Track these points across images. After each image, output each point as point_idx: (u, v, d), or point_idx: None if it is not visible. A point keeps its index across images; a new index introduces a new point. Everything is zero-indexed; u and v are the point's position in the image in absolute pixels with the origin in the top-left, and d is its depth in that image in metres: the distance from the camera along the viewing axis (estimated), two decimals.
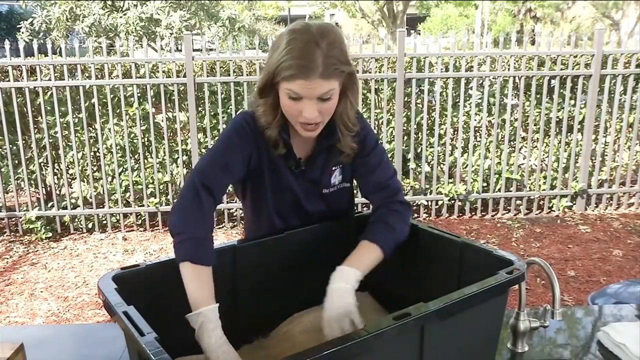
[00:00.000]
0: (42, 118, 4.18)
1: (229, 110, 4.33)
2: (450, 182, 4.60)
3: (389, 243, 1.20)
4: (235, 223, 4.56)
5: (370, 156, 1.29)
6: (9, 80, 4.09)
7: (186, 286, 1.04)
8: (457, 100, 4.46)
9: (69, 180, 4.44)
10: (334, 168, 1.30)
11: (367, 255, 1.17)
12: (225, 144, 1.21)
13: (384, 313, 1.32)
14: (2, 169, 4.33)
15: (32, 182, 4.35)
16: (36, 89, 4.14)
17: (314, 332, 1.17)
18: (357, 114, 1.26)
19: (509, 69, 4.42)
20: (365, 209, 3.59)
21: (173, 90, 4.24)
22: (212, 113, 4.32)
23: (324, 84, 1.08)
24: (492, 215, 4.67)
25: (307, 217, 1.31)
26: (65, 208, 4.39)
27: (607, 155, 4.69)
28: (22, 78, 4.09)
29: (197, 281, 1.04)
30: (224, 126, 4.31)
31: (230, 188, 1.31)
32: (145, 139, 4.35)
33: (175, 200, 1.15)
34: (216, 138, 4.27)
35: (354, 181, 1.38)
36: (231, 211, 4.57)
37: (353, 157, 1.28)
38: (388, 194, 1.28)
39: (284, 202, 1.28)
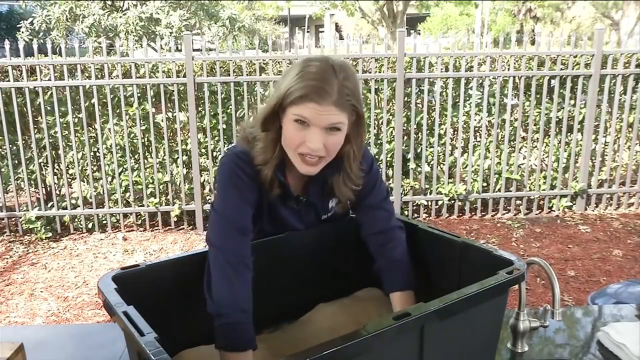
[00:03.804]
0: (42, 118, 4.18)
1: (228, 110, 4.33)
2: (450, 182, 4.60)
3: (412, 279, 1.23)
4: None
5: (369, 190, 1.27)
6: (9, 80, 4.09)
7: None
8: (457, 100, 4.46)
9: (69, 180, 4.44)
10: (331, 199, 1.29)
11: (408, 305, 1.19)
12: (231, 203, 1.11)
13: None
14: (2, 169, 4.33)
15: (32, 182, 4.35)
16: (36, 89, 4.14)
17: (339, 317, 1.23)
18: (363, 157, 1.22)
19: (509, 69, 4.42)
20: None
21: (173, 90, 4.24)
22: (212, 113, 4.32)
23: (335, 113, 1.02)
24: (492, 215, 4.67)
25: None
26: (65, 208, 4.39)
27: (607, 155, 4.69)
28: (22, 78, 4.09)
29: None
30: (224, 126, 4.30)
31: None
32: (145, 139, 4.34)
33: (205, 275, 1.09)
34: (216, 139, 4.33)
35: None
36: None
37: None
38: (382, 218, 1.26)
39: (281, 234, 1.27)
